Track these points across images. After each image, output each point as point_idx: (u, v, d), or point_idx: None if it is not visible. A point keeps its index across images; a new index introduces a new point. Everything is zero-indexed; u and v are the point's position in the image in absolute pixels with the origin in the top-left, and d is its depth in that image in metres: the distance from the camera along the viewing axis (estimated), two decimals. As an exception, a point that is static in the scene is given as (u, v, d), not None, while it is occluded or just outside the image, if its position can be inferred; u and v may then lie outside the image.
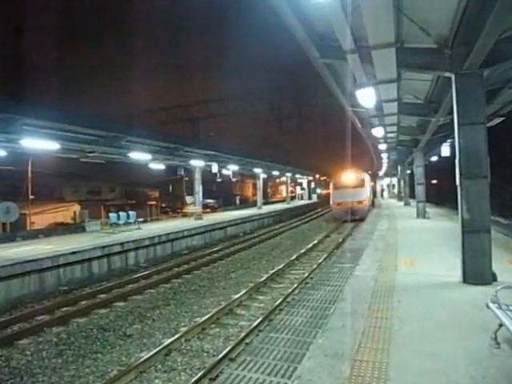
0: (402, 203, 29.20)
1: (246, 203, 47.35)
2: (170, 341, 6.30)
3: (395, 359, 3.53)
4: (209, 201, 39.24)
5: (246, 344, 6.04)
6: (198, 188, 22.60)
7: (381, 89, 8.42)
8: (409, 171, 28.66)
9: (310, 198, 53.65)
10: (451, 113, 6.71)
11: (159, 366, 5.66)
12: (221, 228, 20.07)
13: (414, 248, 9.50)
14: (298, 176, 46.65)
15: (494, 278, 5.81)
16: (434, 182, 44.61)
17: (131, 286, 10.62)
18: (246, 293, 8.93)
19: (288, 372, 3.40)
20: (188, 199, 26.60)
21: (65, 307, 8.87)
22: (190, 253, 15.72)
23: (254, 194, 49.09)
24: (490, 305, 3.76)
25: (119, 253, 12.70)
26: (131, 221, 18.40)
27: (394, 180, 44.36)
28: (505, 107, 11.48)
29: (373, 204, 30.02)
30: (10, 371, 5.84)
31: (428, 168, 21.51)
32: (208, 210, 33.01)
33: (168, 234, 15.36)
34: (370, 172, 36.57)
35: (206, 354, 6.00)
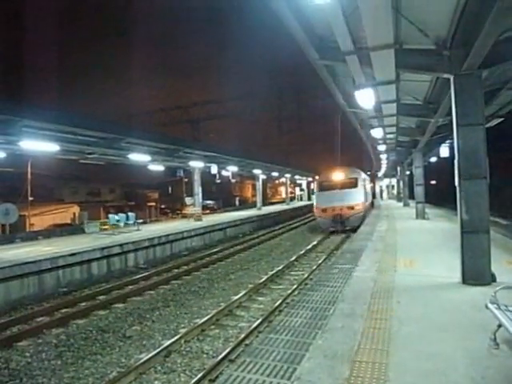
0: (401, 204, 29.21)
1: (245, 204, 47.36)
2: (169, 342, 6.30)
3: (394, 360, 3.53)
4: (208, 202, 39.27)
5: (246, 345, 6.04)
6: (198, 189, 22.61)
7: (380, 90, 8.44)
8: (408, 172, 28.68)
9: (309, 198, 53.69)
10: (450, 114, 6.72)
11: (159, 368, 5.66)
12: (220, 229, 20.07)
13: (414, 249, 9.51)
14: (297, 177, 46.67)
15: (493, 279, 5.82)
16: (433, 182, 44.72)
17: (131, 287, 10.61)
18: (245, 294, 8.93)
19: (287, 373, 3.40)
20: (187, 200, 26.62)
21: (64, 309, 8.86)
22: (189, 254, 15.72)
23: (254, 195, 49.13)
24: (489, 305, 3.77)
25: (118, 254, 12.69)
26: (131, 222, 18.40)
27: (394, 181, 44.39)
28: (503, 108, 11.50)
29: (372, 205, 29.70)
30: (9, 373, 5.84)
31: (427, 169, 21.50)
32: (207, 211, 33.03)
33: (167, 235, 15.35)
34: (369, 172, 36.48)
35: (205, 356, 5.99)
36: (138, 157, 16.24)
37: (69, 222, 27.25)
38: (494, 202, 9.82)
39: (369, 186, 28.09)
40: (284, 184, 45.60)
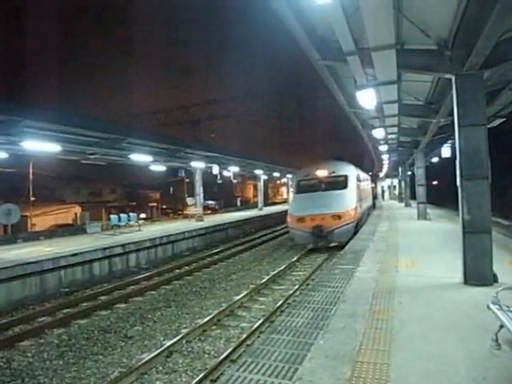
0: (402, 204, 29.17)
1: (246, 204, 47.36)
2: (171, 342, 6.31)
3: (396, 360, 3.53)
4: (210, 202, 39.29)
5: (247, 345, 6.04)
6: (199, 189, 22.62)
7: (381, 90, 8.42)
8: (409, 172, 28.64)
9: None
10: (452, 114, 6.72)
11: (160, 368, 5.67)
12: (222, 229, 20.08)
13: (415, 249, 9.49)
14: (298, 177, 46.47)
15: (494, 279, 5.81)
16: (435, 183, 44.64)
17: (132, 287, 10.63)
18: (246, 294, 8.93)
19: (289, 373, 3.40)
20: (189, 201, 26.64)
21: (66, 309, 8.88)
22: (190, 254, 15.73)
23: (255, 196, 49.08)
24: (491, 306, 3.76)
25: (120, 254, 12.71)
26: (132, 222, 18.42)
27: (395, 181, 44.34)
28: (505, 108, 11.47)
29: (374, 206, 29.52)
30: (11, 373, 5.85)
31: (429, 169, 21.44)
32: (209, 211, 33.05)
33: (169, 235, 15.37)
34: (370, 173, 36.39)
35: (207, 356, 6.00)
36: (139, 157, 16.27)
37: (70, 222, 27.30)
38: (497, 202, 9.80)
39: (368, 185, 24.03)
40: (285, 184, 45.57)
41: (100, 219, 22.41)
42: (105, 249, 12.07)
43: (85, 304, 9.22)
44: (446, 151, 18.06)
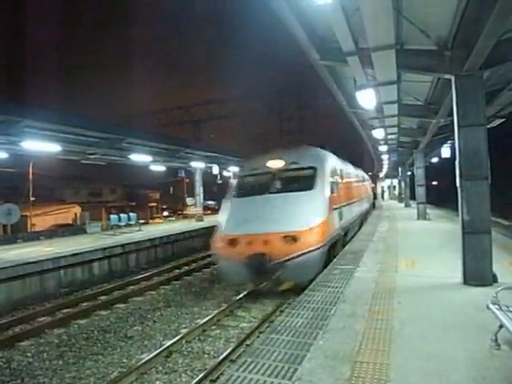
0: (402, 205, 29.16)
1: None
2: (170, 342, 6.31)
3: (396, 360, 3.53)
4: (209, 202, 39.25)
5: (247, 345, 6.04)
6: (199, 189, 22.63)
7: (381, 90, 8.43)
8: (409, 172, 28.64)
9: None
10: (451, 114, 6.72)
11: (160, 368, 5.67)
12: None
13: (415, 249, 9.49)
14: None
15: (494, 280, 5.80)
16: (435, 183, 44.64)
17: (132, 287, 10.63)
18: (246, 295, 8.93)
19: (288, 373, 3.40)
20: (189, 201, 26.62)
21: (66, 309, 8.88)
22: (190, 254, 15.72)
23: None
24: (491, 306, 3.76)
25: (120, 254, 12.71)
26: (132, 222, 18.43)
27: (395, 181, 44.35)
28: (505, 109, 11.47)
29: (373, 206, 29.48)
30: (11, 372, 5.86)
31: (428, 169, 21.43)
32: (209, 211, 33.02)
33: (169, 235, 15.37)
34: (370, 173, 36.40)
35: (206, 356, 6.00)
36: (139, 157, 16.27)
37: (70, 222, 27.28)
38: (497, 202, 9.80)
39: (363, 184, 19.99)
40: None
41: (100, 219, 22.38)
42: (104, 249, 12.07)
43: (85, 304, 9.23)
44: (445, 151, 18.07)
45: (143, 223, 20.57)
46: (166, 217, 34.23)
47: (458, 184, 6.05)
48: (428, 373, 3.28)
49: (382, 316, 4.70)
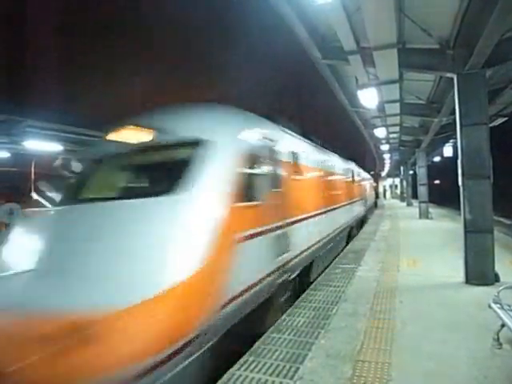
0: (404, 204, 29.13)
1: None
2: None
3: (397, 359, 3.53)
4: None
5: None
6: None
7: (383, 89, 8.43)
8: (411, 171, 28.62)
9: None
10: (453, 113, 6.71)
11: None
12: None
13: (417, 248, 9.48)
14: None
15: (496, 279, 5.80)
16: (437, 182, 44.59)
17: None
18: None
19: (290, 372, 3.41)
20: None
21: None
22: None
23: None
24: (492, 305, 3.76)
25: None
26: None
27: (397, 180, 44.31)
28: (507, 107, 11.45)
29: (375, 205, 29.41)
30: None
31: (431, 168, 21.40)
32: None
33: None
34: (372, 172, 36.31)
35: (208, 355, 5.99)
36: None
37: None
38: (499, 201, 9.77)
39: (361, 182, 17.68)
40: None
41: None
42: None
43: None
44: (447, 150, 18.07)
45: None
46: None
47: (460, 183, 6.04)
48: (430, 372, 3.28)
49: (383, 315, 4.70)
